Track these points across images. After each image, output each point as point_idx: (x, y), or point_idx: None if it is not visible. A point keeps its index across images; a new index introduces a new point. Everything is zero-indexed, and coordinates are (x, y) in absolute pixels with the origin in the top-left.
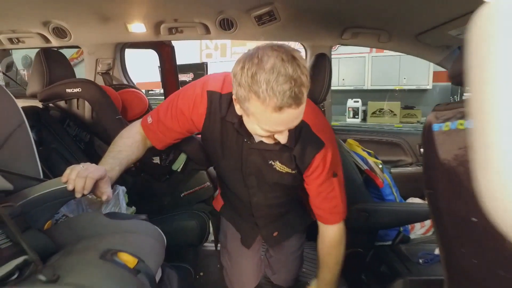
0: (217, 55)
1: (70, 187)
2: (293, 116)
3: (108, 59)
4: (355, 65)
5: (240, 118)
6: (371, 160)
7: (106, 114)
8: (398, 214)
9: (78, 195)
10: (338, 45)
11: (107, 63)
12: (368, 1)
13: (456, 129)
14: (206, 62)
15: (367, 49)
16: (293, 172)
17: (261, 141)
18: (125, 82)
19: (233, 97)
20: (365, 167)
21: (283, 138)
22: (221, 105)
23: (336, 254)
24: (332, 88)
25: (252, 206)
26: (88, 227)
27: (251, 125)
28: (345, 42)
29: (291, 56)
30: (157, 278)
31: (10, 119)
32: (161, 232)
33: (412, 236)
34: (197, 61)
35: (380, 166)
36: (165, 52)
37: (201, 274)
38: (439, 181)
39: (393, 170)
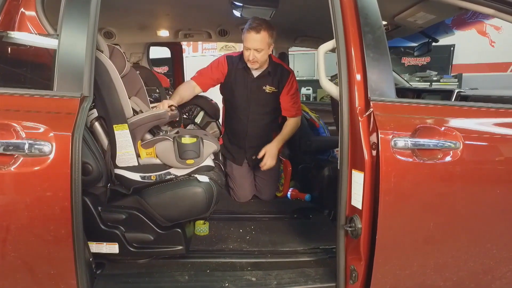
0: (190, 50)
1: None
2: (253, 38)
3: (139, 53)
4: (307, 60)
5: (245, 63)
6: (312, 114)
7: (154, 84)
8: (328, 142)
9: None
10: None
11: (138, 56)
12: (308, 22)
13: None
14: None
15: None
16: (276, 90)
17: (258, 76)
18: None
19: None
20: (308, 117)
21: (251, 56)
22: (235, 60)
23: (292, 129)
24: None
25: (248, 126)
26: None
27: (244, 51)
28: (297, 45)
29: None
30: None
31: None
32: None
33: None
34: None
35: (317, 117)
36: (176, 48)
37: None
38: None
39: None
